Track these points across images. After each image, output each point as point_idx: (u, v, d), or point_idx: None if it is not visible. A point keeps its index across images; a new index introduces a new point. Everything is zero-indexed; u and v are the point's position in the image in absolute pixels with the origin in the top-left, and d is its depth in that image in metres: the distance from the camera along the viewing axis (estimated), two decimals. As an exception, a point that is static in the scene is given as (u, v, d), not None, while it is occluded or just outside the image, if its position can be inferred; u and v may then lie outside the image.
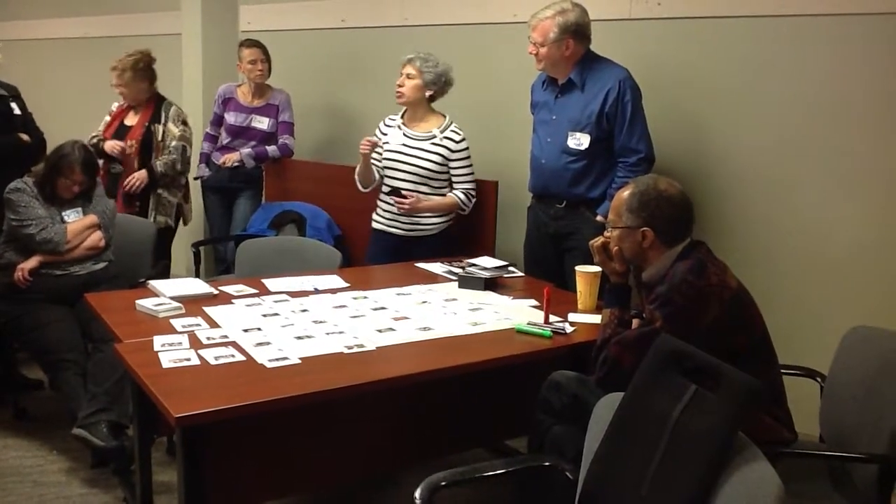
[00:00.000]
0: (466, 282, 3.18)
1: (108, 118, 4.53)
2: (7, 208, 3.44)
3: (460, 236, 3.81)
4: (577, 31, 3.27)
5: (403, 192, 3.68)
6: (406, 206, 3.66)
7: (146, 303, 2.73)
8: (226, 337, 2.50)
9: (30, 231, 3.38)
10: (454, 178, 3.72)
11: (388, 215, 3.78)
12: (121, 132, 4.42)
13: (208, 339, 2.48)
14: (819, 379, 2.59)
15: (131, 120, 4.46)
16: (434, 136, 3.69)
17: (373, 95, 4.82)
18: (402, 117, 3.80)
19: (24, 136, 3.99)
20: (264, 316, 2.72)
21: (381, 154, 3.78)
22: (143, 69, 4.41)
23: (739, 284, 2.33)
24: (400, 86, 3.70)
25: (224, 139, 4.71)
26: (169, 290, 2.87)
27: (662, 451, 1.80)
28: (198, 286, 2.98)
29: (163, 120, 4.44)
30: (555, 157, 3.39)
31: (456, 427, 2.74)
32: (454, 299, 3.02)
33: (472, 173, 3.74)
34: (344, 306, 2.87)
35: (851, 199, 3.23)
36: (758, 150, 3.45)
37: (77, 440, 3.08)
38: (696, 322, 2.22)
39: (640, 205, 2.38)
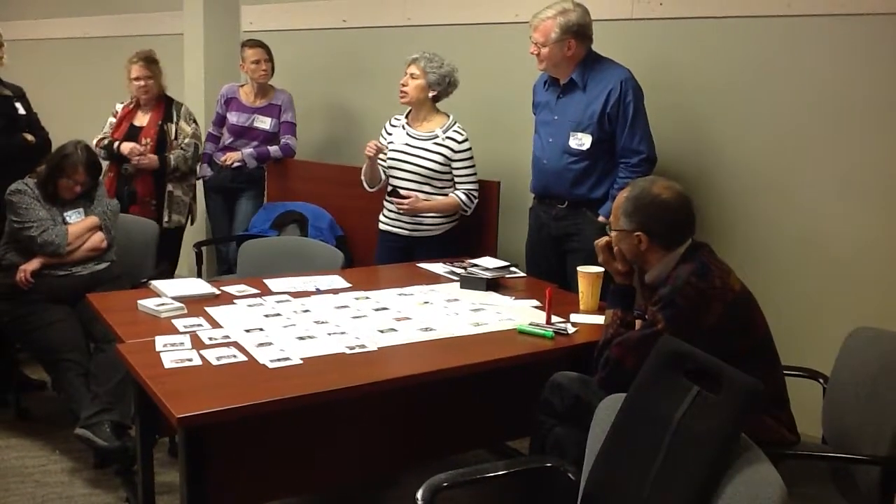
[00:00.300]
0: (468, 282, 3.18)
1: (113, 119, 4.50)
2: (8, 210, 3.44)
3: (462, 237, 3.80)
4: (579, 31, 3.27)
5: (402, 193, 3.68)
6: (405, 206, 3.66)
7: (148, 303, 2.73)
8: (228, 337, 2.50)
9: (31, 233, 3.38)
10: (456, 179, 3.72)
11: (392, 215, 3.78)
12: (132, 133, 4.41)
13: (210, 339, 2.48)
14: (822, 380, 2.59)
15: (141, 120, 4.45)
16: (437, 137, 3.69)
17: (375, 95, 4.82)
18: (406, 117, 3.80)
19: (29, 137, 3.98)
20: (266, 316, 2.72)
21: (386, 154, 3.79)
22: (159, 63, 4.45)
23: (743, 287, 2.33)
24: (403, 85, 3.70)
25: (226, 139, 4.71)
26: (171, 290, 2.87)
27: (664, 452, 1.80)
28: (200, 286, 2.98)
29: (175, 119, 4.46)
30: (556, 158, 3.38)
31: (457, 428, 2.74)
32: (456, 300, 3.02)
33: (474, 174, 3.74)
34: (346, 307, 2.87)
35: (854, 199, 3.23)
36: (759, 150, 3.45)
37: (80, 440, 3.09)
38: (698, 324, 2.21)
39: (635, 209, 2.38)
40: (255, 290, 3.00)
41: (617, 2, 3.75)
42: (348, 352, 2.44)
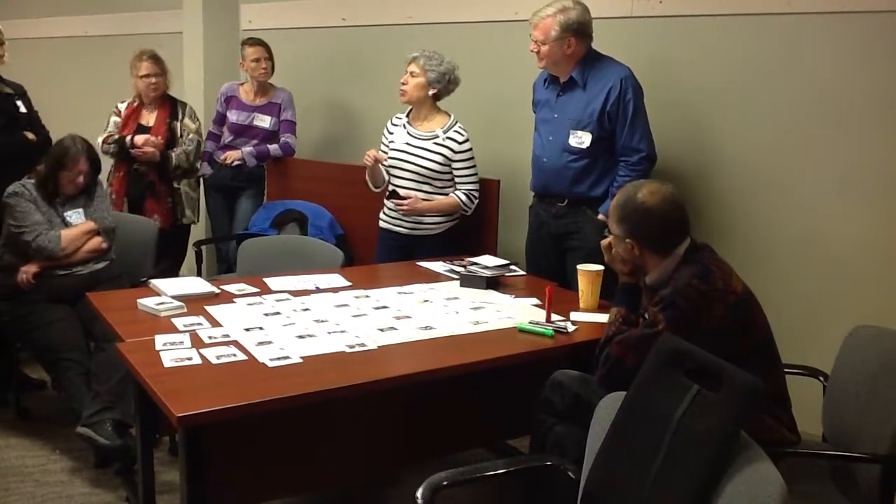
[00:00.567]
0: (468, 281, 3.18)
1: (116, 118, 4.48)
2: (5, 212, 3.43)
3: (462, 235, 3.80)
4: (579, 29, 3.26)
5: (401, 193, 3.68)
6: (405, 207, 3.66)
7: (148, 302, 2.73)
8: (227, 336, 2.50)
9: (26, 238, 3.38)
10: (456, 179, 3.71)
11: (393, 214, 3.78)
12: (141, 132, 4.40)
13: (210, 338, 2.48)
14: (822, 378, 2.58)
15: (147, 119, 4.46)
16: (437, 136, 3.68)
17: (374, 94, 4.82)
18: (407, 116, 3.80)
19: (30, 135, 3.98)
20: (266, 315, 2.72)
21: (387, 153, 3.78)
22: None
23: (744, 288, 2.33)
24: (403, 84, 3.69)
25: (227, 138, 4.71)
26: (170, 289, 2.87)
27: (664, 451, 1.80)
28: (199, 285, 2.98)
29: (181, 117, 4.49)
30: (556, 156, 3.38)
31: (458, 427, 2.74)
32: (456, 298, 3.02)
33: (475, 174, 3.73)
34: (345, 305, 2.87)
35: (854, 197, 3.22)
36: (759, 148, 3.45)
37: (81, 439, 3.08)
38: (699, 326, 2.21)
39: (623, 216, 2.38)
40: (254, 289, 3.00)
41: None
42: (348, 350, 2.43)
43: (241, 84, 4.76)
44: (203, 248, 4.51)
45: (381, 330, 2.62)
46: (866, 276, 3.20)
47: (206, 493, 2.21)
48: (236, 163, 4.61)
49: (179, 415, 1.99)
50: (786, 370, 2.41)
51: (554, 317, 2.76)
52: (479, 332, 2.67)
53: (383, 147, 3.83)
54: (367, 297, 2.98)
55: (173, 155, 4.39)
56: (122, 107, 4.51)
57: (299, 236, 4.21)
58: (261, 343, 2.44)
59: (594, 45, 3.36)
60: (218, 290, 2.95)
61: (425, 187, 3.69)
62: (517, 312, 2.86)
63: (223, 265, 4.82)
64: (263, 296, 2.93)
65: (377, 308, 2.85)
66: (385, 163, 3.78)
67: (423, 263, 3.50)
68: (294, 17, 5.20)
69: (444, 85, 3.68)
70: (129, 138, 4.35)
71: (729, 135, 3.53)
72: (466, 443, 2.92)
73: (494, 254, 3.67)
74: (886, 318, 2.68)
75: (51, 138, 4.10)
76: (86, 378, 3.20)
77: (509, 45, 4.09)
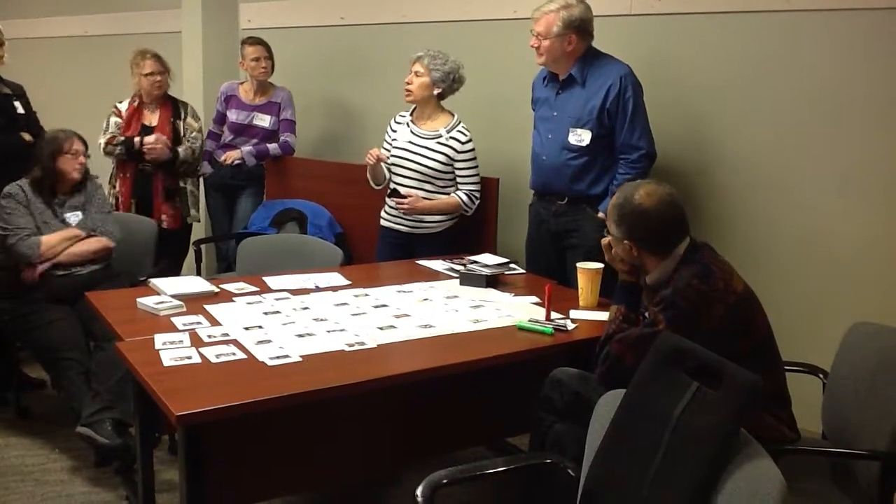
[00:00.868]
0: (468, 279, 3.18)
1: (117, 119, 4.44)
2: None
3: (462, 233, 3.80)
4: (581, 26, 3.26)
5: (401, 192, 3.68)
6: (405, 206, 3.65)
7: (147, 301, 2.73)
8: (227, 335, 2.50)
9: (9, 241, 3.38)
10: (458, 179, 3.72)
11: (393, 212, 3.78)
12: (146, 132, 4.39)
13: (209, 337, 2.47)
14: (821, 375, 2.58)
15: (150, 119, 4.45)
16: (440, 136, 3.68)
17: (373, 92, 4.82)
18: (411, 114, 3.80)
19: (27, 136, 3.97)
20: (265, 314, 2.72)
21: (389, 152, 3.79)
22: None
23: (745, 287, 2.32)
24: (408, 84, 3.69)
25: (227, 137, 4.71)
26: (170, 288, 2.87)
27: (664, 448, 1.80)
28: (199, 284, 2.98)
29: (183, 116, 4.50)
30: (556, 154, 3.38)
31: (457, 425, 2.74)
32: (455, 297, 3.02)
33: (476, 175, 3.73)
34: (345, 304, 2.87)
35: (853, 195, 3.22)
36: (759, 146, 3.45)
37: (81, 438, 3.08)
38: (700, 326, 2.20)
39: (620, 218, 2.37)
40: (254, 288, 3.00)
41: (616, -3, 3.75)
42: (348, 349, 2.43)
43: (241, 83, 4.76)
44: (202, 247, 4.51)
45: (381, 328, 2.62)
46: (866, 273, 3.20)
47: (206, 492, 2.21)
48: (236, 162, 4.61)
49: (179, 414, 1.98)
50: (785, 368, 2.41)
51: (553, 315, 2.76)
52: (479, 331, 2.67)
53: (386, 144, 3.83)
54: (366, 295, 2.98)
55: (180, 150, 4.41)
56: (123, 107, 4.49)
57: (299, 235, 4.21)
58: (260, 342, 2.44)
59: (593, 43, 3.35)
60: (217, 289, 2.95)
61: (427, 186, 3.69)
62: (517, 311, 2.86)
63: (223, 264, 4.82)
64: (263, 295, 2.93)
65: (377, 307, 2.85)
66: (387, 161, 3.78)
67: (422, 262, 3.50)
68: (293, 16, 5.20)
69: (448, 84, 3.68)
70: (136, 139, 4.33)
71: (728, 133, 3.53)
72: (466, 441, 2.92)
73: (494, 252, 3.67)
74: (886, 315, 2.68)
75: None
76: (85, 377, 3.20)
77: (508, 44, 4.09)
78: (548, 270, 3.40)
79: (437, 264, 3.45)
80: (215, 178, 4.74)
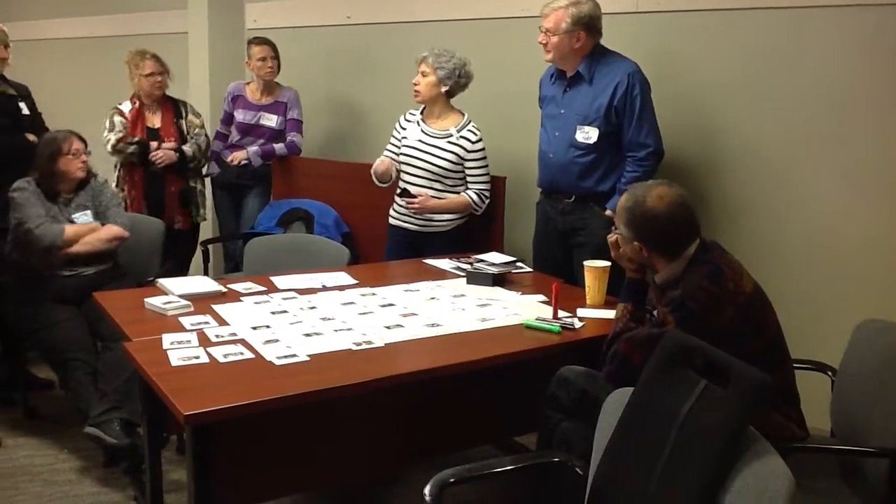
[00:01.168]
0: (475, 278, 3.18)
1: (120, 118, 4.40)
2: (11, 208, 3.44)
3: (469, 232, 3.80)
4: (589, 23, 3.25)
5: (412, 192, 3.68)
6: (416, 206, 3.65)
7: (155, 301, 2.74)
8: (234, 334, 2.50)
9: (28, 226, 3.36)
10: (468, 178, 3.71)
11: (402, 211, 3.77)
12: (152, 135, 4.39)
13: (217, 336, 2.48)
14: (830, 373, 2.58)
15: (152, 121, 4.44)
16: (451, 135, 3.68)
17: (380, 91, 4.82)
18: (421, 113, 3.80)
19: (31, 137, 3.98)
20: (273, 313, 2.72)
21: (398, 149, 3.79)
22: None
23: (755, 287, 2.31)
24: (416, 84, 3.69)
25: (234, 137, 4.72)
26: (177, 288, 2.87)
27: (671, 446, 1.79)
28: (206, 284, 2.99)
29: (184, 115, 4.51)
30: (563, 152, 3.37)
31: (464, 424, 2.73)
32: (462, 295, 3.02)
33: (487, 174, 3.73)
34: (352, 303, 2.87)
35: (860, 191, 3.21)
36: (765, 142, 3.44)
37: (89, 439, 3.09)
38: (709, 328, 2.17)
39: (630, 220, 2.36)
40: (261, 288, 3.00)
41: (622, -5, 3.74)
42: (355, 348, 2.44)
43: (248, 83, 4.77)
44: (210, 247, 4.52)
45: (388, 327, 2.62)
46: (874, 270, 3.18)
47: (214, 492, 2.21)
48: (243, 162, 4.62)
49: (187, 413, 1.99)
50: (794, 365, 2.40)
51: (561, 313, 2.76)
52: (486, 329, 2.67)
53: (394, 141, 3.83)
54: (373, 294, 2.98)
55: (186, 149, 4.41)
56: (125, 108, 4.45)
57: (305, 235, 4.21)
58: (268, 341, 2.45)
59: (601, 41, 3.35)
60: (225, 289, 2.95)
61: (436, 185, 3.69)
62: (524, 309, 2.85)
63: (230, 264, 4.83)
64: (270, 294, 2.93)
65: (384, 306, 2.85)
66: (396, 158, 3.78)
67: (429, 261, 3.50)
68: (299, 15, 5.20)
69: (455, 80, 3.68)
70: (153, 143, 4.33)
71: (735, 130, 3.52)
72: (473, 440, 2.92)
73: (501, 251, 3.66)
74: (894, 312, 2.66)
75: None
76: (93, 378, 3.21)
77: (515, 42, 4.09)
78: (555, 269, 3.40)
79: (444, 263, 3.45)
80: (222, 178, 4.74)
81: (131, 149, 4.33)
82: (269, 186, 4.75)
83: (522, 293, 3.06)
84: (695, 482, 1.72)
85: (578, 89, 3.35)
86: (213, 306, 2.75)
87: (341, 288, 3.05)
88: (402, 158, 3.75)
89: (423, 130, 3.74)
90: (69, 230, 3.42)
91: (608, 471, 1.92)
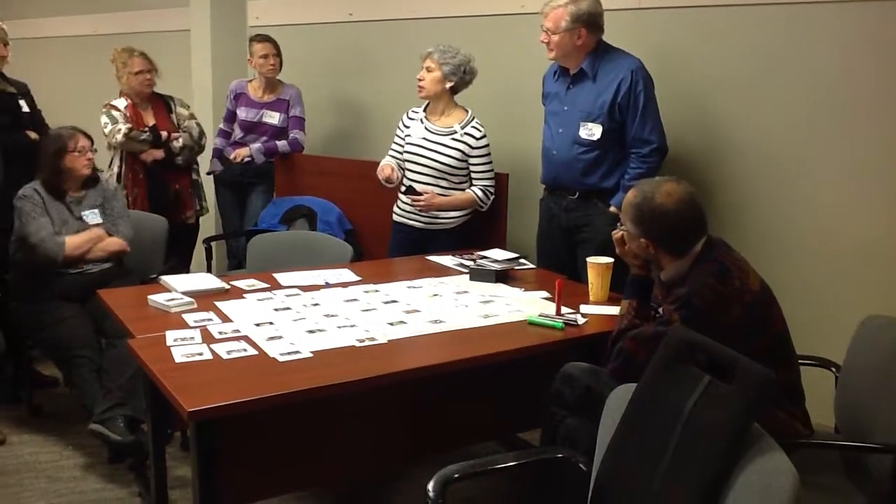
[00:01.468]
0: (478, 274, 3.18)
1: (119, 114, 4.33)
2: (15, 213, 3.44)
3: (472, 229, 3.80)
4: (589, 20, 3.25)
5: (417, 189, 3.67)
6: (422, 203, 3.65)
7: (158, 298, 2.74)
8: (238, 331, 2.50)
9: (31, 241, 3.37)
10: (473, 175, 3.72)
11: (407, 208, 3.78)
12: (154, 131, 4.37)
13: (220, 333, 2.48)
14: (834, 369, 2.57)
15: (148, 118, 4.41)
16: (455, 132, 3.68)
17: (382, 89, 4.82)
18: (424, 110, 3.80)
19: (32, 134, 3.98)
20: (276, 310, 2.72)
21: (402, 148, 3.78)
22: None
23: (761, 284, 2.30)
24: (420, 80, 3.69)
25: (237, 135, 4.72)
26: (181, 285, 2.88)
27: (675, 442, 1.79)
28: (209, 281, 2.99)
29: (173, 108, 4.49)
30: (566, 148, 3.37)
31: (468, 420, 2.73)
32: (465, 292, 3.02)
33: (491, 170, 3.73)
34: (355, 300, 2.87)
35: (864, 187, 3.21)
36: (769, 139, 3.43)
37: (94, 435, 3.10)
38: (715, 326, 2.15)
39: (639, 217, 2.35)
40: (264, 285, 3.00)
41: (624, -9, 3.74)
42: (358, 345, 2.44)
43: (250, 81, 4.77)
44: (213, 244, 4.52)
45: (391, 324, 2.62)
46: (878, 265, 3.18)
47: (218, 488, 2.22)
48: (246, 159, 4.62)
49: (190, 410, 1.99)
50: (798, 361, 2.40)
51: (564, 309, 2.76)
52: (489, 326, 2.67)
53: (397, 140, 3.83)
54: (376, 291, 2.98)
55: (175, 144, 4.36)
56: (121, 104, 4.36)
57: (308, 232, 4.21)
58: (271, 338, 2.45)
59: (604, 37, 3.34)
60: (228, 286, 2.95)
61: (442, 182, 3.69)
62: (527, 305, 2.85)
63: (233, 261, 4.83)
64: (273, 291, 2.93)
65: (387, 302, 2.85)
66: (401, 156, 3.78)
67: (432, 258, 3.50)
68: (301, 12, 5.20)
69: (460, 77, 3.68)
70: (163, 132, 4.32)
71: (738, 126, 3.51)
72: (477, 436, 2.92)
73: (504, 247, 3.66)
74: (899, 308, 2.66)
75: None
76: (97, 375, 3.21)
77: (517, 39, 4.09)
78: (559, 265, 3.40)
79: (447, 260, 3.45)
80: (226, 176, 4.75)
81: (144, 136, 4.28)
82: (272, 184, 4.75)
83: (525, 290, 3.06)
84: (698, 479, 1.72)
85: (582, 86, 3.34)
86: (217, 303, 2.76)
87: (344, 285, 3.05)
88: (406, 156, 3.75)
89: (426, 128, 3.73)
90: (70, 244, 3.41)
91: (612, 467, 1.92)
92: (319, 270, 3.20)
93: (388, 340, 2.49)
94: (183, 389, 2.09)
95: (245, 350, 2.35)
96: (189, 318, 2.60)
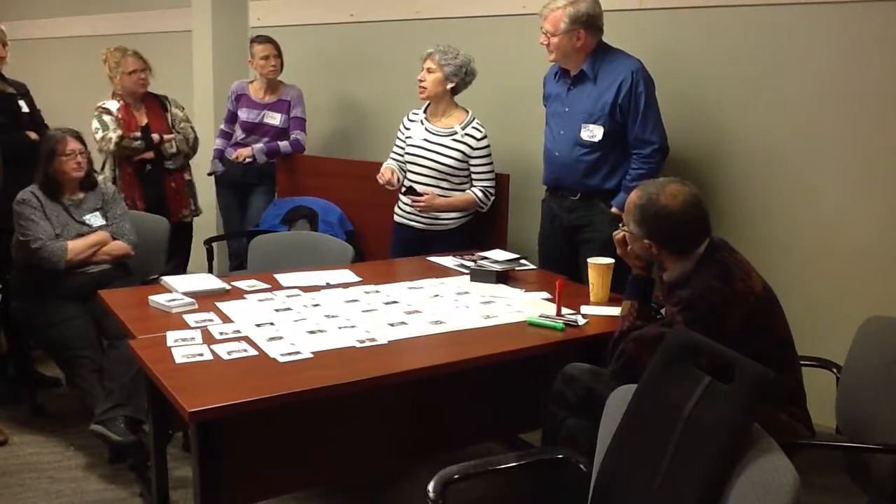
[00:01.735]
0: (478, 275, 3.18)
1: (111, 117, 4.27)
2: (14, 218, 3.44)
3: (472, 230, 3.80)
4: (589, 21, 3.25)
5: (418, 190, 3.67)
6: (422, 204, 3.65)
7: (159, 299, 2.74)
8: (238, 332, 2.50)
9: (32, 246, 3.36)
10: (473, 176, 3.72)
11: (408, 209, 3.78)
12: (145, 133, 4.35)
13: (221, 334, 2.48)
14: (835, 370, 2.57)
15: (141, 118, 4.37)
16: (455, 133, 3.68)
17: (383, 90, 4.82)
18: (424, 112, 3.80)
19: (32, 134, 3.97)
20: (276, 311, 2.72)
21: (403, 150, 3.78)
22: None
23: (764, 286, 2.30)
24: (421, 81, 3.69)
25: (238, 136, 4.72)
26: (181, 285, 2.88)
27: (675, 442, 1.79)
28: (210, 281, 2.99)
29: (168, 108, 4.48)
30: (568, 150, 3.37)
31: (469, 420, 2.74)
32: (466, 293, 3.02)
33: (492, 171, 3.73)
34: (356, 300, 2.87)
35: (867, 188, 3.21)
36: (771, 140, 3.43)
37: (95, 436, 3.10)
38: (718, 328, 2.15)
39: (643, 218, 2.34)
40: (265, 285, 3.01)
41: (625, -9, 3.74)
42: (359, 345, 2.44)
43: (251, 82, 4.77)
44: (214, 244, 4.52)
45: (392, 325, 2.62)
46: (879, 266, 3.18)
47: (219, 488, 2.22)
48: (247, 160, 4.62)
49: (191, 410, 1.99)
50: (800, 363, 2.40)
51: (564, 310, 2.76)
52: (490, 327, 2.67)
53: (398, 143, 3.83)
54: (377, 292, 2.98)
55: (167, 147, 4.33)
56: (111, 106, 4.31)
57: (309, 232, 4.22)
58: (272, 339, 2.45)
59: (604, 38, 3.34)
60: (229, 287, 2.95)
61: (443, 184, 3.69)
62: (527, 306, 2.85)
63: (235, 262, 4.84)
64: (274, 292, 2.94)
65: (387, 303, 2.85)
66: (402, 158, 3.78)
67: (433, 258, 3.50)
68: (302, 13, 5.20)
69: (461, 77, 3.68)
70: (155, 136, 4.31)
71: (740, 126, 3.52)
72: (478, 437, 2.92)
73: (504, 248, 3.66)
74: (900, 309, 2.66)
75: None
76: (98, 375, 3.22)
77: (518, 40, 4.09)
78: (561, 266, 3.40)
79: (448, 260, 3.45)
80: (227, 177, 4.75)
81: (136, 143, 4.27)
82: (273, 184, 4.75)
83: (526, 290, 3.06)
84: (699, 479, 1.72)
85: (583, 87, 3.34)
86: (217, 304, 2.76)
87: (345, 285, 3.05)
88: (407, 158, 3.76)
89: (427, 129, 3.74)
90: (72, 249, 3.40)
91: (612, 467, 1.91)
92: (320, 271, 3.20)
93: (389, 341, 2.49)
94: (184, 390, 2.09)
95: (246, 350, 2.36)
96: (190, 319, 2.60)
